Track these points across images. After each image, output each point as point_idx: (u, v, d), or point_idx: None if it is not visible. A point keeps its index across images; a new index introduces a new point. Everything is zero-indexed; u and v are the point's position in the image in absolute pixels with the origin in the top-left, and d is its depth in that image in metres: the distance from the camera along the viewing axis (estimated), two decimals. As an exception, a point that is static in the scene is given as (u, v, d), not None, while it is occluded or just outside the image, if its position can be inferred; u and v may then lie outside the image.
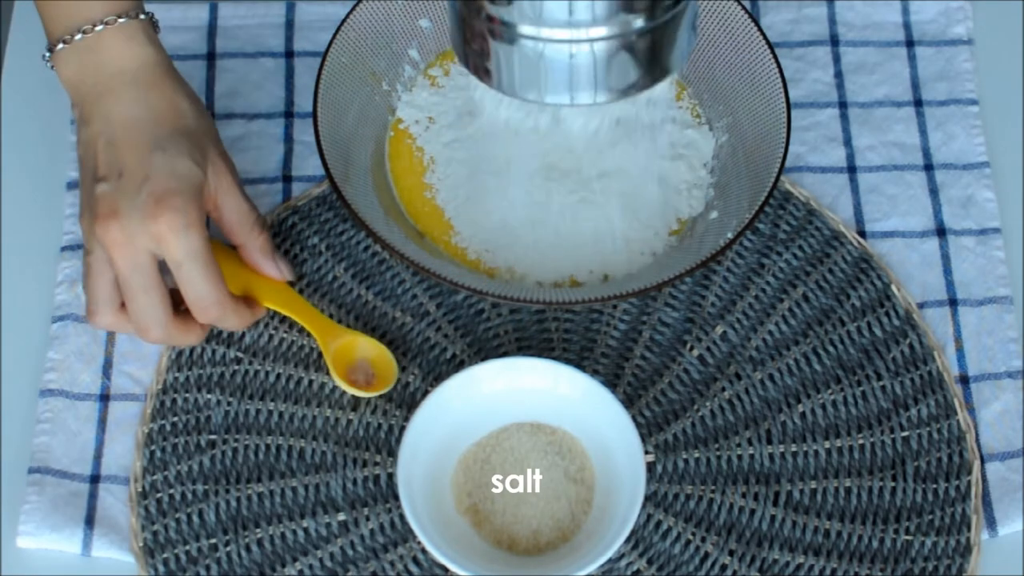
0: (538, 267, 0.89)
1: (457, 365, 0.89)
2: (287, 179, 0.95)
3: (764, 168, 0.88)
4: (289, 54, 0.99)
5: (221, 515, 0.85)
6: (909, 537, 0.84)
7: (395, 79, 0.94)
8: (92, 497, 0.86)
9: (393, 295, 0.91)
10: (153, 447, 0.87)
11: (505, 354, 0.89)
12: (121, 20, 0.84)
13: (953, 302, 0.91)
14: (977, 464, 0.86)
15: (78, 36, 0.84)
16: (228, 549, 0.84)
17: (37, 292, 0.91)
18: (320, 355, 0.89)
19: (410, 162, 0.93)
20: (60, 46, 0.85)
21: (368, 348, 0.88)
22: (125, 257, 0.82)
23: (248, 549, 0.84)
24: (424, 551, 0.84)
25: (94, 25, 0.84)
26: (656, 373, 0.89)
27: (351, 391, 0.87)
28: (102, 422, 0.88)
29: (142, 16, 0.86)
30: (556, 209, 0.90)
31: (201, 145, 0.85)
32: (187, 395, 0.88)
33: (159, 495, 0.85)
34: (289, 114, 0.97)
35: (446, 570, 0.83)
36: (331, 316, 0.90)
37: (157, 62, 0.86)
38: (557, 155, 0.89)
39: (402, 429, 0.87)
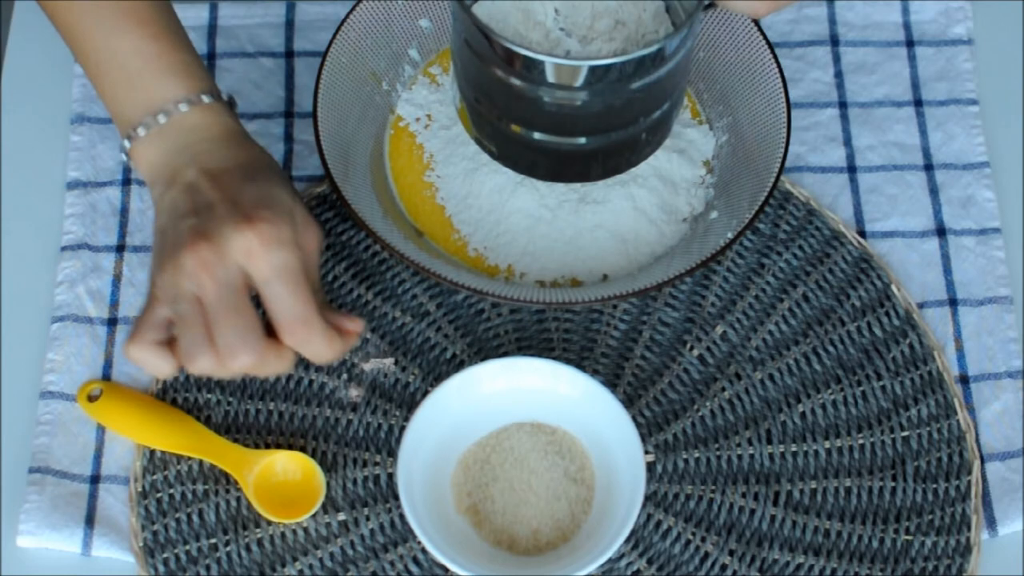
0: (538, 266, 0.89)
1: (457, 365, 0.89)
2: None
3: (764, 168, 0.88)
4: (289, 54, 0.99)
5: (221, 515, 0.85)
6: (909, 537, 0.84)
7: (395, 79, 0.94)
8: (92, 497, 0.86)
9: (393, 295, 0.91)
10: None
11: (505, 354, 0.89)
12: (205, 99, 0.81)
13: (953, 302, 0.91)
14: (977, 464, 0.86)
15: (160, 117, 0.80)
16: (228, 549, 0.84)
17: (37, 292, 0.91)
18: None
19: (410, 160, 0.93)
20: (140, 130, 0.81)
21: (288, 463, 0.85)
22: (215, 276, 0.76)
23: (248, 549, 0.84)
24: (424, 551, 0.84)
25: (177, 103, 0.81)
26: (656, 373, 0.89)
27: (281, 520, 0.84)
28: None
29: (224, 98, 0.83)
30: (556, 208, 0.89)
31: (291, 194, 0.81)
32: (187, 395, 0.88)
33: (159, 495, 0.85)
34: (289, 114, 0.97)
35: (446, 570, 0.83)
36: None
37: (243, 132, 0.83)
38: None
39: (402, 429, 0.87)
